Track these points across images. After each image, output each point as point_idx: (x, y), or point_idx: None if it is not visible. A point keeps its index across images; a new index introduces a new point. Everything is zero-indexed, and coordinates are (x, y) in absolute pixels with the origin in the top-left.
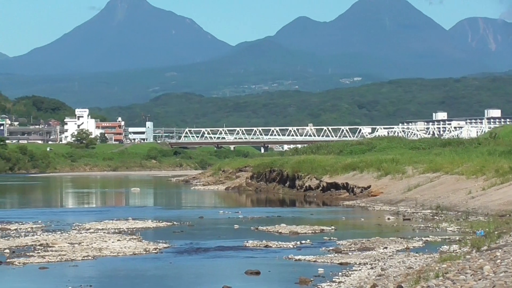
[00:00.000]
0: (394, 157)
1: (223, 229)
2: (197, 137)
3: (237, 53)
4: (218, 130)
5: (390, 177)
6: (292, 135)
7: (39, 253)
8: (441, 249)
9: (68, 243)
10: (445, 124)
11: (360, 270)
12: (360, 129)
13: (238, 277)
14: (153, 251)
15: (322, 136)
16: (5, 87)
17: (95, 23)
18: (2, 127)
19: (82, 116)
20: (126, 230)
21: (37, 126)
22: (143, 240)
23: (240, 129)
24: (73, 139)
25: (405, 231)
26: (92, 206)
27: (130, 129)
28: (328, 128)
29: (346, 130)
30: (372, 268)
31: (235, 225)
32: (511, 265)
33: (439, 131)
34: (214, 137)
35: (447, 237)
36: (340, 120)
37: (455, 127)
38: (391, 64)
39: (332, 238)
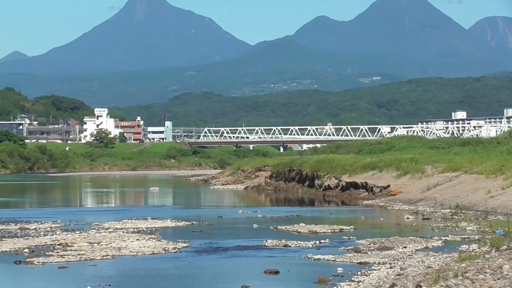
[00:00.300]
0: (413, 156)
1: (242, 228)
2: (216, 136)
3: (256, 52)
4: (237, 129)
5: (409, 177)
6: (311, 135)
7: (58, 252)
8: (460, 248)
9: (87, 242)
10: (464, 124)
11: (379, 269)
12: (379, 129)
13: (257, 277)
14: (172, 251)
15: (341, 135)
16: (25, 86)
17: (114, 23)
18: (21, 127)
19: (101, 116)
20: (145, 229)
21: (56, 126)
22: (162, 240)
23: (259, 129)
24: (92, 138)
25: (424, 230)
26: (111, 206)
27: (149, 129)
28: (347, 128)
29: (365, 130)
30: (391, 267)
31: (254, 225)
32: None
33: (458, 131)
34: (233, 137)
35: (466, 236)
36: (359, 119)
37: (474, 127)
38: (410, 63)
39: (351, 237)
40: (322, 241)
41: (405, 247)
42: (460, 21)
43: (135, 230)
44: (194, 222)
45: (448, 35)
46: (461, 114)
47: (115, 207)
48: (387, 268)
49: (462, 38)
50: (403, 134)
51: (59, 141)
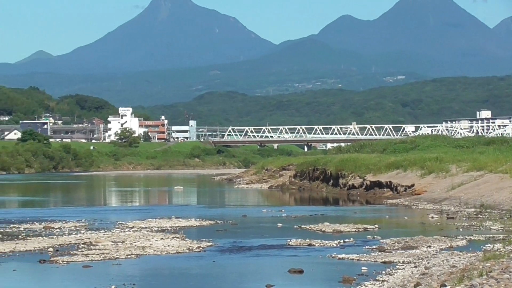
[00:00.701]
0: (438, 155)
1: (267, 227)
2: (241, 135)
3: (280, 51)
4: (262, 128)
5: (433, 176)
6: (336, 134)
7: (82, 251)
8: (485, 247)
9: (112, 241)
10: (489, 123)
11: (403, 268)
12: (404, 128)
13: (281, 276)
14: (196, 250)
15: (366, 134)
16: (49, 86)
17: (138, 22)
18: (46, 126)
19: (126, 115)
20: (169, 228)
21: (80, 125)
22: (187, 239)
23: (284, 128)
24: (116, 137)
25: (449, 229)
26: (135, 205)
27: (173, 128)
28: (371, 127)
29: (390, 129)
30: (415, 266)
31: (279, 224)
32: None
33: (483, 130)
34: (258, 136)
35: (491, 235)
36: (384, 118)
37: (499, 126)
38: (434, 62)
39: (375, 236)
40: (347, 240)
41: (430, 246)
42: (484, 20)
43: (160, 229)
44: (218, 221)
45: (472, 34)
46: (486, 113)
47: (140, 206)
48: (412, 267)
49: (487, 37)
50: (428, 133)
51: (83, 140)
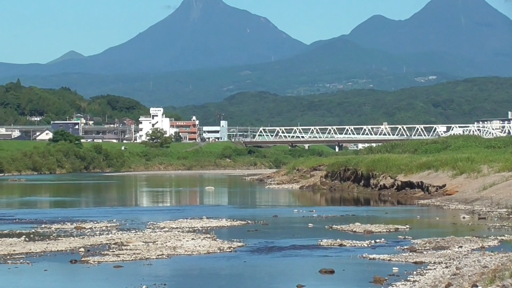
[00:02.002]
0: (469, 156)
1: (298, 228)
2: (272, 136)
3: (311, 51)
4: (293, 129)
5: (465, 176)
6: (367, 134)
7: (113, 251)
8: None
9: (143, 241)
10: None
11: (435, 269)
12: (435, 128)
13: (312, 276)
14: (227, 250)
15: (397, 134)
16: (81, 86)
17: (170, 22)
18: (77, 126)
19: (157, 115)
20: (200, 228)
21: (111, 125)
22: (218, 239)
23: (315, 128)
24: (147, 138)
25: (480, 230)
26: (166, 205)
27: (205, 128)
28: (403, 127)
29: (421, 129)
30: (447, 267)
31: (310, 224)
32: None
33: None
34: (289, 136)
35: None
36: (415, 118)
37: None
38: (466, 62)
39: (406, 237)
40: (378, 240)
41: (461, 246)
42: None
43: (191, 229)
44: (249, 221)
45: (504, 34)
46: None
47: (171, 206)
48: (443, 268)
49: None
50: (459, 134)
51: (114, 141)
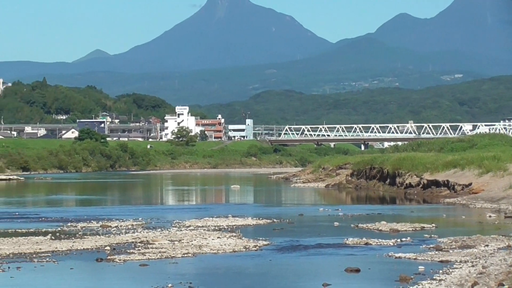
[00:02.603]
0: (496, 154)
1: (323, 226)
2: (297, 134)
3: (337, 50)
4: (318, 127)
5: (491, 175)
6: (393, 132)
7: (139, 250)
8: None
9: (168, 240)
10: None
11: (461, 268)
12: (461, 126)
13: (338, 275)
14: (253, 249)
15: (423, 133)
16: (106, 85)
17: (195, 21)
18: (103, 125)
19: (182, 114)
20: (226, 227)
21: (137, 124)
22: (243, 238)
23: (340, 126)
24: (173, 136)
25: (507, 228)
26: (192, 203)
27: (230, 127)
28: (428, 125)
29: (447, 127)
30: (473, 266)
31: (335, 223)
32: None
33: None
34: (314, 135)
35: None
36: (441, 117)
37: None
38: (492, 60)
39: (432, 235)
40: (404, 239)
41: (487, 245)
42: None
43: (216, 228)
44: (275, 220)
45: None
46: None
47: (196, 204)
48: (469, 267)
49: None
50: (485, 132)
51: (140, 139)
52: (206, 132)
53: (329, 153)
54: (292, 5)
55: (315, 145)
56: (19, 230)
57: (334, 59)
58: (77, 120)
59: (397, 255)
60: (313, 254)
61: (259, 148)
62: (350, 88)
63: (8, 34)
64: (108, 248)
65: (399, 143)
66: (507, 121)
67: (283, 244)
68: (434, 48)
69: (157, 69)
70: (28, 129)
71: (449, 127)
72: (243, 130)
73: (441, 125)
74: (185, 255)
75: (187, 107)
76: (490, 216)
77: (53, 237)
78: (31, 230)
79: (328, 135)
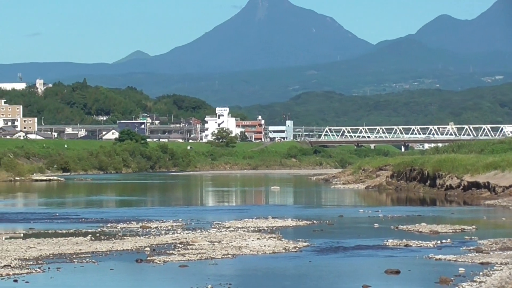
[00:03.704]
0: None
1: (363, 228)
2: (337, 135)
3: (377, 51)
4: (358, 128)
5: None
6: (433, 134)
7: (179, 251)
8: None
9: (208, 241)
10: None
11: (501, 270)
12: (502, 128)
13: (378, 276)
14: (292, 250)
15: (463, 135)
16: (147, 86)
17: (236, 22)
18: (143, 126)
19: (223, 115)
20: (265, 228)
21: (177, 125)
22: (283, 239)
23: (381, 128)
24: (213, 137)
25: None
26: (232, 205)
27: (270, 128)
28: (469, 127)
29: (488, 129)
30: None
31: (375, 224)
32: None
33: None
34: (354, 136)
35: None
36: (482, 118)
37: None
38: None
39: (473, 237)
40: (444, 241)
41: None
42: None
43: (256, 229)
44: (314, 221)
45: None
46: None
47: (236, 206)
48: (510, 269)
49: None
50: None
51: (180, 140)
52: (246, 133)
53: (369, 155)
54: (332, 6)
55: (355, 147)
56: (59, 231)
57: (375, 60)
58: (117, 121)
59: (437, 257)
60: (353, 255)
61: (299, 149)
62: (390, 90)
63: (49, 35)
64: (148, 249)
65: (440, 144)
66: None
67: (323, 245)
68: (475, 49)
69: (198, 70)
70: (68, 130)
71: (490, 129)
72: (283, 131)
73: (481, 127)
74: (225, 256)
75: (227, 108)
76: None
77: (93, 238)
78: (71, 230)
79: (368, 137)
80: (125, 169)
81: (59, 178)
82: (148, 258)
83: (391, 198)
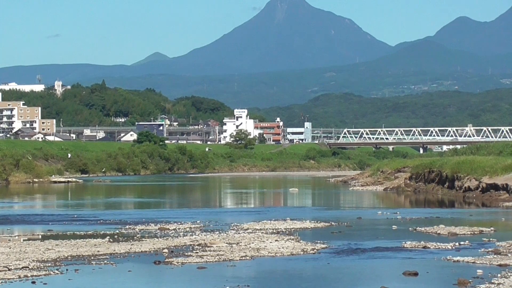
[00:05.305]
0: None
1: (381, 229)
2: (356, 137)
3: (396, 53)
4: (377, 130)
5: None
6: (452, 136)
7: (197, 253)
8: None
9: (226, 243)
10: None
11: None
12: None
13: (396, 278)
14: (311, 252)
15: (482, 136)
16: (165, 87)
17: (254, 24)
18: (161, 128)
19: (241, 117)
20: (284, 230)
21: (196, 127)
22: (301, 241)
23: (399, 130)
24: (231, 139)
25: None
26: (250, 206)
27: (289, 130)
28: (488, 129)
29: (506, 131)
30: None
31: (394, 226)
32: None
33: None
34: (373, 138)
35: None
36: (500, 120)
37: None
38: None
39: (491, 239)
40: (462, 242)
41: None
42: None
43: (274, 231)
44: (333, 223)
45: None
46: None
47: (254, 207)
48: None
49: None
50: None
51: (198, 142)
52: (264, 135)
53: (388, 156)
54: (351, 8)
55: (373, 148)
56: (78, 233)
57: (394, 62)
58: (136, 123)
59: (455, 258)
60: (371, 257)
61: (317, 151)
62: (409, 92)
63: (69, 37)
64: (166, 250)
65: (458, 146)
66: None
67: (341, 247)
68: (493, 51)
69: (216, 72)
70: (87, 131)
71: (509, 131)
72: (301, 133)
73: (500, 129)
74: (243, 258)
75: (246, 110)
76: None
77: (111, 240)
78: (90, 232)
79: (387, 138)
80: (144, 170)
81: (78, 180)
82: (166, 260)
83: (410, 200)
